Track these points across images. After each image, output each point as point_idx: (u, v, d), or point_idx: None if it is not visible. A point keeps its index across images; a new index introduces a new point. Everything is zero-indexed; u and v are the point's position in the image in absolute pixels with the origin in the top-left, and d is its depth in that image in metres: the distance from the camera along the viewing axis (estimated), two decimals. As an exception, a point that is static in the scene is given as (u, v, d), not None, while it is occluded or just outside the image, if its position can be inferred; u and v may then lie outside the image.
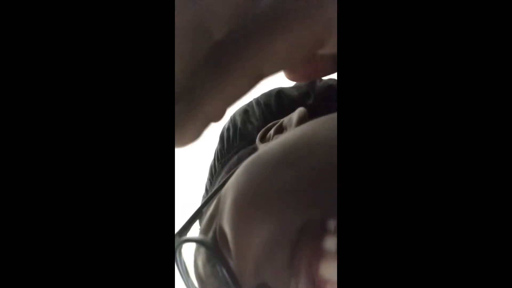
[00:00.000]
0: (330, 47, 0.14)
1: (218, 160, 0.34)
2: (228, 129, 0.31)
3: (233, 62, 0.14)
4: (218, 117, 0.15)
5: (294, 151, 0.18)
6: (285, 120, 0.29)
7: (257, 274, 0.18)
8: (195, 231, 0.23)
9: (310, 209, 0.17)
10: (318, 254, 0.17)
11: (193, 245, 0.23)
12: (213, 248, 0.20)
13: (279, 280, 0.18)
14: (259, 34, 0.14)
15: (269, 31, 0.14)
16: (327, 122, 0.21)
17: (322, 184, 0.18)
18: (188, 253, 0.23)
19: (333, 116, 0.21)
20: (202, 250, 0.22)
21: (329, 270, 0.16)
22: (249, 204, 0.18)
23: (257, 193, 0.18)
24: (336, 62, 0.17)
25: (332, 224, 0.17)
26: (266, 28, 0.14)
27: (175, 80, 0.15)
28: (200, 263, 0.22)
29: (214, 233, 0.21)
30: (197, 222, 0.24)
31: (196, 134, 0.15)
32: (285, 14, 0.14)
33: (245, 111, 0.37)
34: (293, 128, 0.24)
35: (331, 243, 0.17)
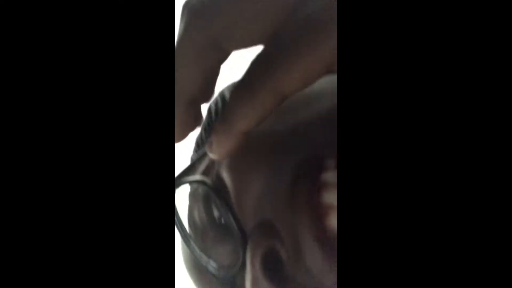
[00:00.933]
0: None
1: (205, 131, 0.34)
2: (216, 103, 0.31)
3: (257, 82, 0.16)
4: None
5: (291, 98, 0.18)
6: None
7: (258, 214, 0.19)
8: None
9: (308, 149, 0.18)
10: (318, 185, 0.17)
11: (186, 200, 0.24)
12: (215, 188, 0.20)
13: (280, 217, 0.18)
14: (280, 55, 0.15)
15: (296, 50, 0.15)
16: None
17: (320, 127, 0.19)
18: (182, 206, 0.23)
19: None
20: (199, 198, 0.22)
21: (330, 197, 0.17)
22: (247, 148, 0.18)
23: (255, 137, 0.18)
24: None
25: (331, 162, 0.17)
26: (295, 47, 0.15)
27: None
28: (196, 213, 0.23)
29: (212, 181, 0.21)
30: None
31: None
32: (309, 34, 0.15)
33: None
34: None
35: (330, 176, 0.17)
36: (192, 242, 0.22)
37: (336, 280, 0.16)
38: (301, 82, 0.15)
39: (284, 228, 0.18)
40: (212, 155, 0.18)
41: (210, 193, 0.21)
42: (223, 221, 0.21)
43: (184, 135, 0.18)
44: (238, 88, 0.17)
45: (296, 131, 0.19)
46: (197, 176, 0.22)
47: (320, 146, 0.18)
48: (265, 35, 0.16)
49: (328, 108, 0.19)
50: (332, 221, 0.16)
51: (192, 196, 0.23)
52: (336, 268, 0.16)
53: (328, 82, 0.20)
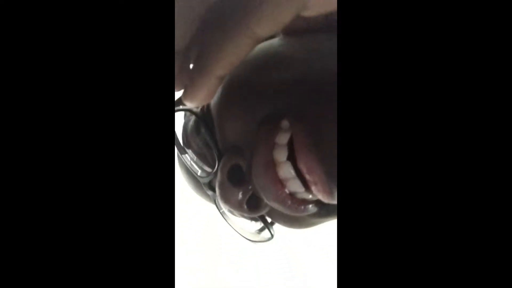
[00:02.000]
0: (312, 10, 0.16)
1: None
2: None
3: (229, 24, 0.16)
4: (225, 75, 0.17)
5: (270, 60, 0.24)
6: None
7: (232, 139, 0.25)
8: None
9: (274, 104, 0.23)
10: (271, 145, 0.22)
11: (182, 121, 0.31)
12: (201, 116, 0.27)
13: (246, 145, 0.24)
14: None
15: None
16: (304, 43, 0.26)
17: (287, 89, 0.23)
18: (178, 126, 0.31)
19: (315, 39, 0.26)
20: (192, 121, 0.29)
21: (279, 156, 0.22)
22: (233, 96, 0.24)
23: (240, 87, 0.24)
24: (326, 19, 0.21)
25: (285, 124, 0.22)
26: None
27: (177, 41, 0.17)
28: (189, 132, 0.30)
29: (202, 110, 0.28)
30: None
31: (210, 93, 0.18)
32: None
33: None
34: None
35: (281, 138, 0.22)
36: (185, 154, 0.30)
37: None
38: (273, 23, 0.16)
39: (247, 152, 0.24)
40: (187, 102, 0.19)
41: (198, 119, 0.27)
42: (207, 140, 0.27)
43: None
44: (212, 31, 0.17)
45: (268, 86, 0.23)
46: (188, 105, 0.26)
47: (284, 105, 0.22)
48: None
49: (296, 74, 0.23)
50: (275, 166, 0.22)
51: (186, 119, 0.31)
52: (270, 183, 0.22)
53: (301, 48, 0.25)
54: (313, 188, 0.21)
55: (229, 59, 0.17)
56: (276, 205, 0.23)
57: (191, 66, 0.20)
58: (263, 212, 0.27)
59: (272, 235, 0.30)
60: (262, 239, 0.31)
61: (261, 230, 0.31)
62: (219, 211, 0.31)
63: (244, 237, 0.32)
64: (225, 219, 0.31)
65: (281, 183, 0.23)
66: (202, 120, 0.27)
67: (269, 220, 0.30)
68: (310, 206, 0.24)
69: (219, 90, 0.25)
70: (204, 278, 1.33)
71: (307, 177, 0.21)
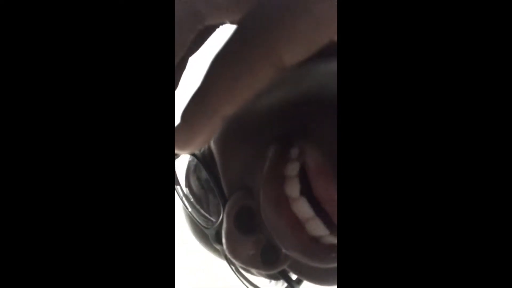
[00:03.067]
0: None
1: None
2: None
3: (250, 48, 0.12)
4: (234, 114, 0.14)
5: (271, 87, 0.20)
6: None
7: (238, 180, 0.22)
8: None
9: (277, 138, 0.20)
10: (281, 178, 0.19)
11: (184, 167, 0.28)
12: (202, 158, 0.23)
13: (254, 184, 0.20)
14: (280, 14, 0.12)
15: (292, 10, 0.12)
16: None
17: (291, 117, 0.20)
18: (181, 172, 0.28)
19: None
20: (193, 166, 0.26)
21: (292, 191, 0.19)
22: (234, 129, 0.20)
23: (240, 120, 0.20)
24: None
25: (294, 152, 0.19)
26: (288, 6, 0.12)
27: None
28: (191, 178, 0.26)
29: (204, 152, 0.24)
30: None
31: (210, 137, 0.14)
32: None
33: None
34: None
35: (291, 169, 0.19)
36: (188, 203, 0.26)
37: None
38: (307, 49, 0.12)
39: (256, 191, 0.20)
40: (179, 149, 0.15)
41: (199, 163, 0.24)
42: (210, 184, 0.24)
43: None
44: (221, 58, 0.13)
45: (269, 110, 0.21)
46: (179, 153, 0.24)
47: (289, 129, 0.20)
48: (247, 4, 0.14)
49: (297, 95, 0.20)
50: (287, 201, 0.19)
51: (189, 164, 0.27)
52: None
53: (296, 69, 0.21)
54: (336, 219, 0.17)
55: (244, 95, 0.13)
56: (296, 255, 0.19)
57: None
58: (283, 267, 0.22)
59: None
60: None
61: None
62: (232, 269, 0.26)
63: None
64: (240, 279, 0.26)
65: (299, 224, 0.18)
66: (203, 162, 0.23)
67: (293, 277, 0.24)
68: None
69: (220, 130, 0.22)
70: (204, 278, 1.32)
71: (331, 209, 0.17)
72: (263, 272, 0.23)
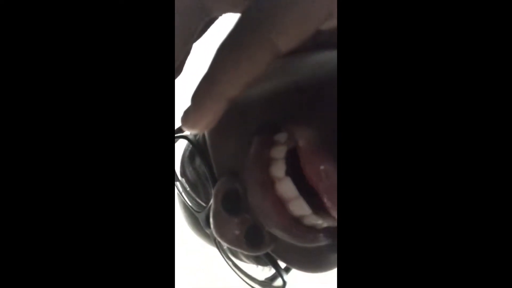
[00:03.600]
0: (334, 21, 0.14)
1: None
2: None
3: (248, 37, 0.14)
4: (237, 97, 0.15)
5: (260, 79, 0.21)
6: None
7: (227, 164, 0.23)
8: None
9: (266, 118, 0.21)
10: (267, 160, 0.20)
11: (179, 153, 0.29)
12: (196, 144, 0.25)
13: (241, 167, 0.21)
14: (273, 7, 0.14)
15: (282, 3, 0.14)
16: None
17: (277, 105, 0.21)
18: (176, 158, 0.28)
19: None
20: (188, 151, 0.27)
21: (278, 172, 0.19)
22: (224, 117, 0.20)
23: (231, 109, 0.20)
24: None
25: (281, 136, 0.20)
26: (280, 0, 0.14)
27: (175, 58, 0.16)
28: (185, 163, 0.28)
29: (198, 138, 0.25)
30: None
31: (216, 118, 0.16)
32: None
33: None
34: None
35: (278, 151, 0.20)
36: (181, 187, 0.28)
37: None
38: (298, 35, 0.14)
39: (243, 174, 0.21)
40: (188, 128, 0.16)
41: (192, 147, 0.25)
42: (202, 170, 0.25)
43: None
44: (224, 46, 0.15)
45: (259, 98, 0.22)
46: (183, 133, 0.25)
47: (277, 115, 0.21)
48: None
49: (288, 82, 0.22)
50: (272, 180, 0.20)
51: (184, 151, 0.28)
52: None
53: (289, 59, 0.23)
54: (325, 199, 0.18)
55: (245, 78, 0.15)
56: (279, 233, 0.20)
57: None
58: (267, 249, 0.23)
59: (284, 283, 0.25)
60: None
61: (272, 278, 0.27)
62: (222, 255, 0.27)
63: None
64: (231, 266, 0.27)
65: (282, 204, 0.19)
66: (197, 147, 0.25)
67: (282, 265, 0.25)
68: (321, 235, 0.20)
69: None
70: (204, 278, 1.32)
71: (320, 185, 0.18)
72: (249, 254, 0.23)
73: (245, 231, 0.22)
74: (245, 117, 0.22)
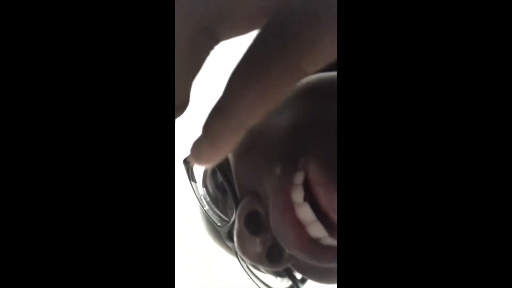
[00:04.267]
0: None
1: None
2: None
3: (275, 64, 0.13)
4: (243, 133, 0.14)
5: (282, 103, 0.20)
6: None
7: (249, 185, 0.24)
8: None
9: (285, 153, 0.22)
10: (289, 186, 0.21)
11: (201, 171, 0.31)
12: (219, 164, 0.25)
13: (263, 191, 0.23)
14: (301, 28, 0.13)
15: (311, 23, 0.12)
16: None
17: (296, 135, 0.22)
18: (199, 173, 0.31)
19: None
20: (210, 169, 0.28)
21: (297, 197, 0.21)
22: (248, 143, 0.22)
23: (255, 133, 0.19)
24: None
25: (301, 163, 0.21)
26: (312, 21, 0.13)
27: (180, 87, 0.15)
28: (207, 179, 0.29)
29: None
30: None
31: (232, 149, 0.14)
32: (328, 7, 0.13)
33: None
34: None
35: (298, 177, 0.21)
36: (204, 203, 0.30)
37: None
38: (327, 59, 0.13)
39: (264, 197, 0.23)
40: (202, 163, 0.15)
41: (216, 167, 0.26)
42: (225, 188, 0.26)
43: None
44: (243, 74, 0.13)
45: (279, 128, 0.23)
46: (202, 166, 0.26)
47: (297, 145, 0.22)
48: (262, 19, 0.14)
49: (303, 114, 0.23)
50: (294, 207, 0.21)
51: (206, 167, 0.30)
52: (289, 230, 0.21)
53: (302, 88, 0.24)
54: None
55: (269, 107, 0.13)
56: (298, 254, 0.21)
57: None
58: (286, 265, 0.24)
59: None
60: None
61: None
62: (242, 266, 0.29)
63: None
64: (250, 277, 0.29)
65: (301, 227, 0.21)
66: (219, 168, 0.26)
67: (298, 276, 0.27)
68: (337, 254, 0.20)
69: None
70: (204, 278, 1.33)
71: (331, 214, 0.19)
72: (269, 269, 0.25)
73: (266, 250, 0.24)
74: (268, 143, 0.23)
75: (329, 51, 0.13)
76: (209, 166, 0.16)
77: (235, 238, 0.24)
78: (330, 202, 0.20)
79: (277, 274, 0.28)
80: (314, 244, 0.21)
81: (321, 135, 0.21)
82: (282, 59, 0.13)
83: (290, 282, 0.27)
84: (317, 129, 0.22)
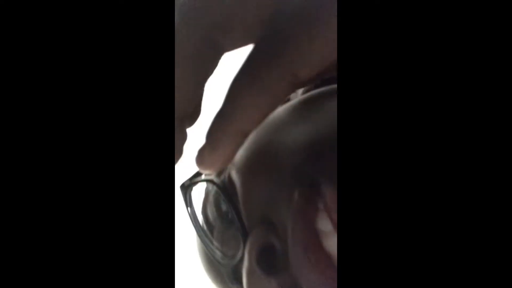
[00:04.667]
0: None
1: None
2: None
3: (267, 70, 0.14)
4: (244, 138, 0.15)
5: (294, 118, 0.19)
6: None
7: (260, 212, 0.20)
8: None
9: (303, 182, 0.18)
10: (313, 212, 0.17)
11: (200, 197, 0.26)
12: (223, 187, 0.22)
13: (278, 219, 0.19)
14: (296, 35, 0.13)
15: (308, 29, 0.13)
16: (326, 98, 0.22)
17: (315, 157, 0.18)
18: (195, 200, 0.25)
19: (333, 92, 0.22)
20: (212, 194, 0.24)
21: (322, 224, 0.17)
22: (256, 160, 0.19)
23: (264, 152, 0.19)
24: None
25: (321, 202, 0.17)
26: (304, 26, 0.13)
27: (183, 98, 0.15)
28: (208, 207, 0.24)
29: (224, 180, 0.22)
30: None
31: (232, 154, 0.15)
32: (320, 10, 0.13)
33: None
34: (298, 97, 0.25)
35: (323, 223, 0.17)
36: (202, 233, 0.25)
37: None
38: (320, 65, 0.13)
39: (280, 227, 0.19)
40: (204, 168, 0.16)
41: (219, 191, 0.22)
42: (230, 216, 0.22)
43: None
44: (240, 81, 0.14)
45: (291, 149, 0.19)
46: (208, 176, 0.23)
47: (314, 169, 0.18)
48: (262, 29, 0.15)
49: (313, 133, 0.19)
50: (320, 237, 0.17)
51: (206, 192, 0.25)
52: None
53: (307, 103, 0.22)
54: None
55: (264, 113, 0.14)
56: None
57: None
58: None
59: None
60: None
61: None
62: None
63: None
64: None
65: (330, 264, 0.17)
66: (224, 191, 0.22)
67: None
68: None
69: (241, 154, 0.21)
70: (204, 278, 1.32)
71: None
72: None
73: None
74: (279, 162, 0.19)
75: (321, 56, 0.13)
76: (213, 170, 0.16)
77: (244, 279, 0.19)
78: None
79: None
80: None
81: (332, 157, 0.17)
82: (275, 66, 0.13)
83: None
84: (327, 151, 0.18)
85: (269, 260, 0.19)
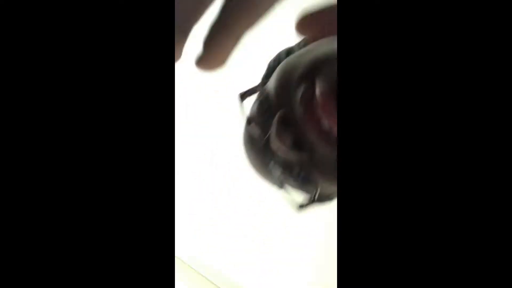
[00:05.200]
0: None
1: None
2: (274, 60, 0.45)
3: None
4: (239, 40, 0.18)
5: (300, 54, 0.33)
6: None
7: (281, 104, 0.32)
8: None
9: (305, 76, 0.31)
10: (311, 95, 0.29)
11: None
12: (264, 98, 0.34)
13: (293, 104, 0.31)
14: None
15: None
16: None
17: (312, 67, 0.31)
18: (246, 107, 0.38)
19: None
20: (256, 103, 0.36)
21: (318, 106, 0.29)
22: (281, 77, 0.32)
23: (284, 71, 0.32)
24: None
25: (317, 91, 0.29)
26: None
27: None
28: (255, 108, 0.36)
29: (263, 91, 0.35)
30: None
31: (229, 56, 0.18)
32: None
33: (288, 51, 0.48)
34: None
35: (317, 103, 0.30)
36: (247, 121, 0.37)
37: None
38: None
39: (294, 105, 0.31)
40: (203, 68, 0.18)
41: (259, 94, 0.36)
42: (266, 107, 0.34)
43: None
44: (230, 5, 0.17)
45: (300, 67, 0.32)
46: (255, 86, 0.37)
47: (312, 72, 0.30)
48: None
49: (313, 58, 0.32)
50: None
51: (252, 104, 0.38)
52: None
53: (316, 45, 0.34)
54: (331, 122, 0.27)
55: (258, 14, 0.17)
56: (314, 136, 0.29)
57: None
58: (307, 153, 0.31)
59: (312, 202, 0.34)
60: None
61: (306, 205, 0.35)
62: (279, 186, 0.36)
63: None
64: (279, 187, 0.36)
65: (318, 120, 0.28)
66: (264, 99, 0.34)
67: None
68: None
69: (273, 76, 0.34)
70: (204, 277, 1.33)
71: (331, 119, 0.27)
72: (290, 152, 0.31)
73: (294, 139, 0.31)
74: (294, 73, 0.32)
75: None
76: (212, 70, 0.18)
77: (272, 131, 0.31)
78: (330, 112, 0.27)
79: (302, 188, 0.35)
80: (324, 134, 0.29)
81: (323, 66, 0.30)
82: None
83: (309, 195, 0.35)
84: (321, 64, 0.30)
85: (286, 122, 0.31)
